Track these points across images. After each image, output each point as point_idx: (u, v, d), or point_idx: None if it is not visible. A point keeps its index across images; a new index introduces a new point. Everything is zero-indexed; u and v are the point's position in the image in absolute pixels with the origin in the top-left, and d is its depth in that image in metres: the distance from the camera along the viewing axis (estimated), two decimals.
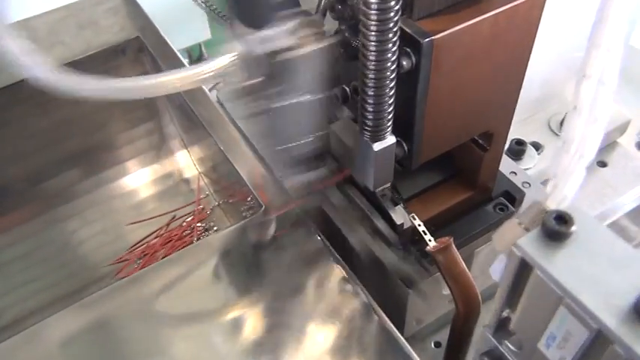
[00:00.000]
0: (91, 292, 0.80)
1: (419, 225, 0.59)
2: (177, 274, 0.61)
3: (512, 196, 0.65)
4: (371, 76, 0.43)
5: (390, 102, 0.45)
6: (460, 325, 0.56)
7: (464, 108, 0.52)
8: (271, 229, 0.63)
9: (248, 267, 0.61)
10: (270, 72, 0.50)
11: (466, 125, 0.55)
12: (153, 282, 0.61)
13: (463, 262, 0.56)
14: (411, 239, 0.62)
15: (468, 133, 0.57)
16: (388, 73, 0.43)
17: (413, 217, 0.59)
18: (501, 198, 0.66)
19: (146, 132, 0.92)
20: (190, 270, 0.62)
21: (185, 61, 0.84)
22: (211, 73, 0.46)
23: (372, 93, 0.45)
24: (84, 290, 0.82)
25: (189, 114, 0.81)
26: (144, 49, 0.87)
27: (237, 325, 0.57)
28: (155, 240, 0.87)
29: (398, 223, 0.60)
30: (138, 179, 0.92)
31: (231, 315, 0.58)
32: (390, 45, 0.42)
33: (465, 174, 0.64)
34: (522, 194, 0.65)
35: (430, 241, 0.57)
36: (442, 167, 0.65)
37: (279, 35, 0.48)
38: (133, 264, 0.84)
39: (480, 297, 0.54)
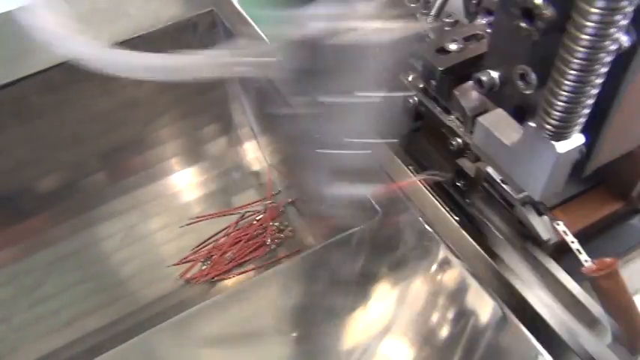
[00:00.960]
0: (155, 294, 0.74)
1: (572, 242, 0.49)
2: (278, 287, 0.52)
3: None
4: (580, 55, 0.34)
5: (594, 91, 0.36)
6: None
7: None
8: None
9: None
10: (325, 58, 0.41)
11: None
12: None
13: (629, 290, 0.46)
14: (553, 256, 0.52)
15: None
16: (604, 54, 0.33)
17: (565, 231, 0.49)
18: None
19: (213, 118, 0.83)
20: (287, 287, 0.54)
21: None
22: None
23: (575, 78, 0.35)
24: (146, 290, 0.73)
25: (265, 99, 0.72)
26: (217, 25, 0.78)
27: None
28: (223, 239, 0.78)
29: (544, 238, 0.50)
30: (202, 171, 0.83)
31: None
32: (620, 16, 0.32)
33: (615, 182, 0.54)
34: None
35: (586, 262, 0.48)
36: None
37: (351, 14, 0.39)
38: (200, 265, 0.75)
39: None
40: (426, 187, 0.59)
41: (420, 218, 0.55)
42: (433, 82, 0.55)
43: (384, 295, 0.51)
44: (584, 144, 0.41)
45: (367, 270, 0.53)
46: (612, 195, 0.54)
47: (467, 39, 0.53)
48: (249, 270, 0.74)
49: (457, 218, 0.57)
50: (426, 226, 0.55)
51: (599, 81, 0.35)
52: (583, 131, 0.40)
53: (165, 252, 0.77)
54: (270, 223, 0.78)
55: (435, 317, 0.49)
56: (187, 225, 0.79)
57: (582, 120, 0.38)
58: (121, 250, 0.77)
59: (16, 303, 0.72)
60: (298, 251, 0.75)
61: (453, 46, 0.53)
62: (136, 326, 0.70)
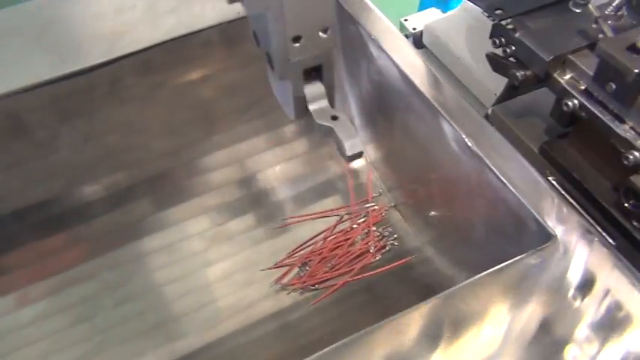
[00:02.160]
0: (249, 298, 0.67)
1: None
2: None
3: None
4: None
5: None
6: None
7: None
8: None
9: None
10: None
11: None
12: None
13: None
14: None
15: None
16: None
17: None
18: None
19: None
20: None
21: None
22: None
23: None
24: (239, 293, 0.67)
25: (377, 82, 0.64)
26: None
27: None
28: (320, 243, 0.71)
29: None
30: (294, 167, 0.76)
31: None
32: None
33: None
34: None
35: None
36: None
37: None
38: (297, 271, 0.69)
39: None
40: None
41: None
42: (613, 85, 0.47)
43: None
44: None
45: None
46: None
47: None
48: (351, 280, 0.68)
49: (613, 243, 0.49)
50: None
51: None
52: None
53: (257, 254, 0.71)
54: (374, 229, 0.71)
55: None
56: (280, 227, 0.72)
57: None
58: (210, 250, 0.71)
59: (99, 301, 0.67)
60: (406, 260, 0.68)
61: None
62: (232, 333, 0.64)
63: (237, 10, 0.65)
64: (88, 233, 0.69)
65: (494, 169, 0.49)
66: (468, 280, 0.45)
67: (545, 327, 0.42)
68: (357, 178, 0.76)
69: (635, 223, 0.51)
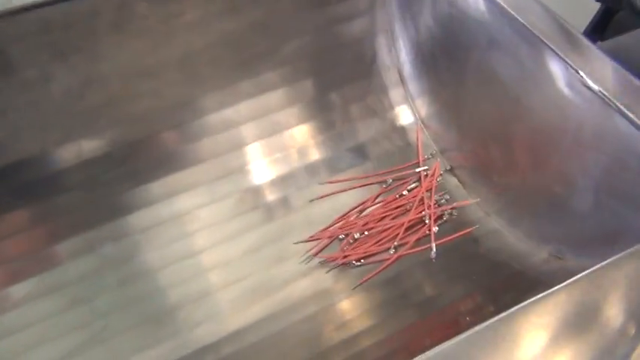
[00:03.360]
0: (283, 275, 0.56)
1: None
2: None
3: None
4: None
5: None
6: None
7: None
8: None
9: None
10: None
11: None
12: None
13: None
14: None
15: None
16: None
17: None
18: None
19: (352, 55, 0.64)
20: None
21: None
22: None
23: None
24: (272, 270, 0.56)
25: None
26: None
27: None
28: (363, 213, 0.60)
29: None
30: (330, 124, 0.65)
31: None
32: None
33: None
34: None
35: None
36: None
37: None
38: (337, 243, 0.58)
39: None
40: None
41: None
42: None
43: None
44: None
45: None
46: None
47: None
48: (405, 253, 0.57)
49: None
50: None
51: None
52: None
53: (289, 226, 0.60)
54: (429, 195, 0.60)
55: None
56: (317, 197, 0.61)
57: None
58: (233, 220, 0.59)
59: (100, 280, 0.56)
60: (470, 230, 0.57)
61: None
62: (261, 320, 0.53)
63: None
64: (86, 198, 0.57)
65: (627, 112, 0.37)
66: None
67: None
68: (403, 137, 0.65)
69: None
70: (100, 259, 0.56)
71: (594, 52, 0.42)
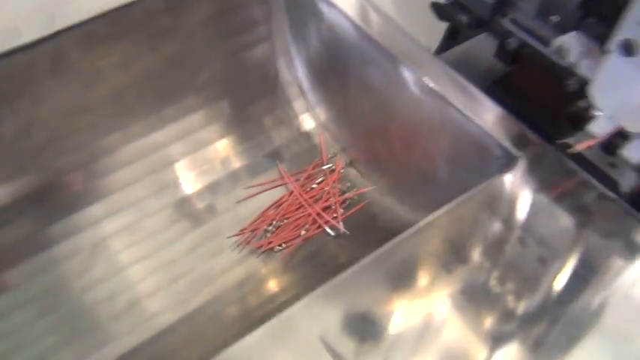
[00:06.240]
0: (220, 266, 0.67)
1: None
2: None
3: None
4: None
5: None
6: None
7: None
8: None
9: None
10: None
11: None
12: None
13: None
14: None
15: None
16: None
17: None
18: None
19: (258, 77, 0.76)
20: None
21: None
22: None
23: None
24: (209, 262, 0.67)
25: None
26: None
27: None
28: (281, 207, 0.72)
29: None
30: (247, 136, 0.76)
31: None
32: None
33: None
34: None
35: None
36: None
37: None
38: (264, 233, 0.70)
39: None
40: None
41: None
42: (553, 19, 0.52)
43: None
44: None
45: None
46: None
47: None
48: (318, 231, 0.69)
49: None
50: None
51: None
52: None
53: (221, 225, 0.71)
54: (335, 185, 0.73)
55: None
56: (242, 199, 0.73)
57: None
58: (172, 226, 0.70)
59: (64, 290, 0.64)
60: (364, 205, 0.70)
61: None
62: (209, 301, 0.64)
63: None
64: (42, 220, 0.65)
65: (456, 104, 0.52)
66: (442, 210, 0.48)
67: (527, 234, 0.46)
68: (309, 140, 0.78)
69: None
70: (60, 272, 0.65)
71: (436, 62, 0.57)
